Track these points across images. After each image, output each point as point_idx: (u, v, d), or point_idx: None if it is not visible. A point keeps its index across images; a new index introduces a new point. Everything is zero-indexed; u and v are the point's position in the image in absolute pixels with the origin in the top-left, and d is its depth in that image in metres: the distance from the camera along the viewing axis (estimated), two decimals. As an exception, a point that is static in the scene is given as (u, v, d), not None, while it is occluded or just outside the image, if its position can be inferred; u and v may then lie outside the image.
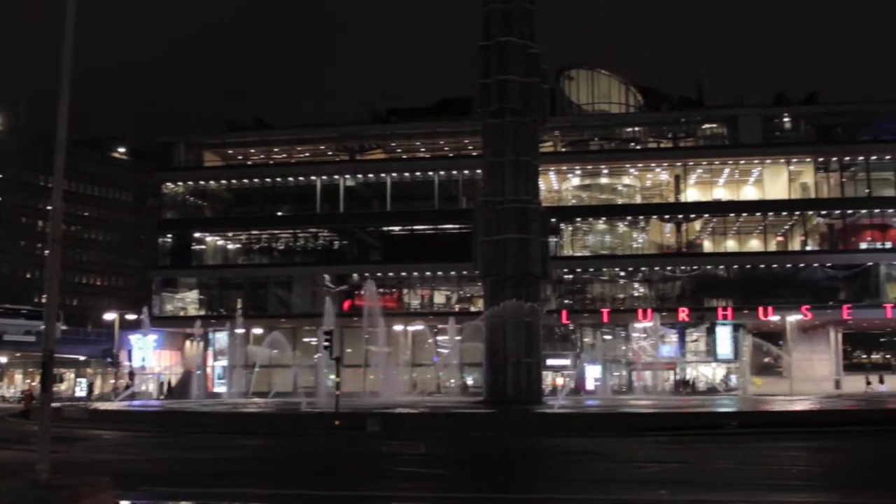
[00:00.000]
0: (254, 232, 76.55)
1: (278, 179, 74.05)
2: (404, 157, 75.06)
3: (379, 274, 68.93)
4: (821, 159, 69.73)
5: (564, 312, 66.45)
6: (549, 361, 62.48)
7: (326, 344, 38.37)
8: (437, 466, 22.54)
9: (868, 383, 63.45)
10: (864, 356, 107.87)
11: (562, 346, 67.98)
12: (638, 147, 73.43)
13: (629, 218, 72.71)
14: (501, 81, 45.27)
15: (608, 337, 70.06)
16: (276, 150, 77.21)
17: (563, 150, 73.12)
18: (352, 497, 17.08)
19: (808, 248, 70.68)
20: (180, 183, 76.77)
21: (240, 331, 61.86)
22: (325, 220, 73.46)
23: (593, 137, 74.09)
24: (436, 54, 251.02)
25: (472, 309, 66.02)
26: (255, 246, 77.45)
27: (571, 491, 17.66)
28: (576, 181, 73.83)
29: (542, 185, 63.11)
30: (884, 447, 27.23)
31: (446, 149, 75.54)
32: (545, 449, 26.93)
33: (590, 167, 72.91)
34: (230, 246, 77.82)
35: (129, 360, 69.14)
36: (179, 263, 75.76)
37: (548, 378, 62.55)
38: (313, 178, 73.10)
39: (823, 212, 69.82)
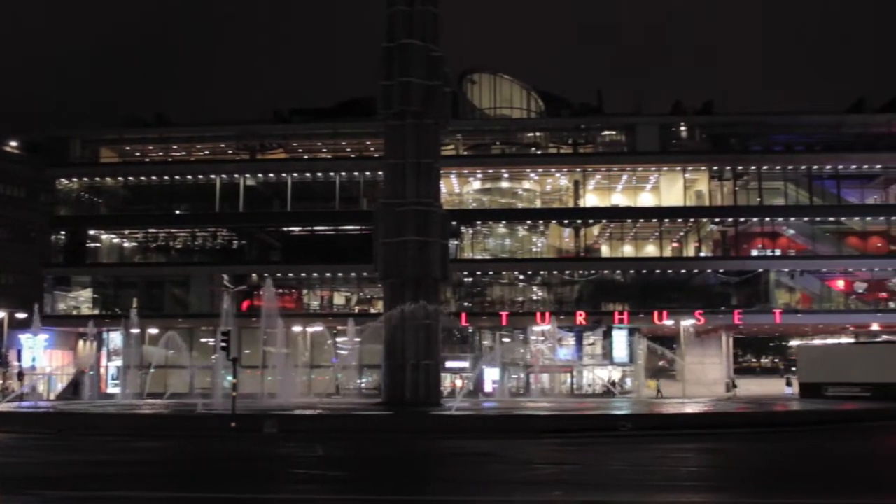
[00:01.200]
0: (151, 230, 75.10)
1: (177, 177, 72.82)
2: (306, 157, 74.49)
3: (278, 274, 68.33)
4: (715, 168, 71.34)
5: (464, 315, 66.72)
6: (448, 364, 62.65)
7: (224, 345, 37.80)
8: (334, 468, 22.45)
9: (734, 387, 64.68)
10: (754, 360, 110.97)
11: (461, 349, 68.24)
12: (538, 152, 74.16)
13: (529, 222, 73.39)
14: (404, 83, 45.33)
15: (507, 340, 70.64)
16: (175, 147, 75.86)
17: (465, 153, 73.47)
18: (246, 500, 16.93)
19: (702, 254, 72.26)
20: (75, 179, 74.87)
21: (135, 330, 60.61)
22: (224, 219, 72.48)
23: (495, 141, 74.61)
24: (345, 55, 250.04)
25: (372, 311, 65.88)
26: (151, 244, 76.04)
27: (468, 492, 17.77)
28: (477, 185, 74.23)
29: (443, 187, 63.47)
30: (769, 448, 28.02)
31: (348, 150, 75.27)
32: (442, 451, 27.02)
33: (491, 171, 73.35)
34: (126, 244, 76.26)
35: (19, 360, 67.14)
36: (73, 261, 73.91)
37: (446, 380, 62.75)
38: (213, 176, 72.11)
39: (717, 219, 71.42)
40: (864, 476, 20.99)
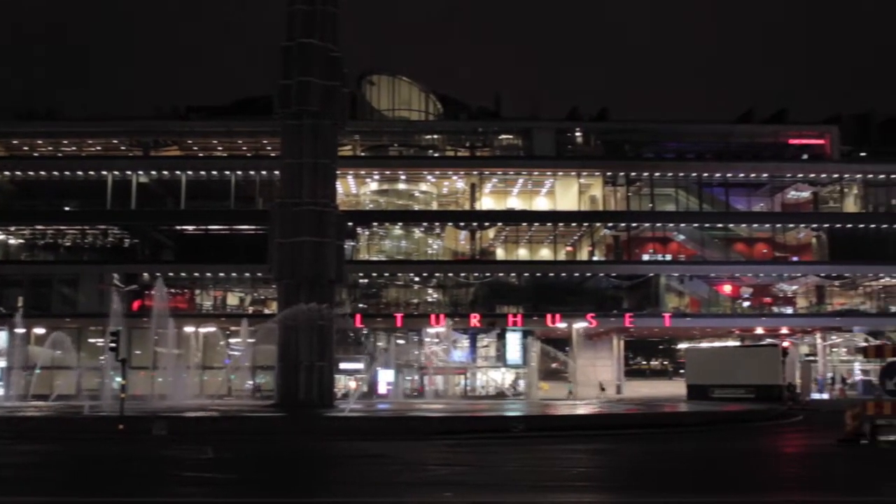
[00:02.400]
0: (38, 227, 72.97)
1: (67, 173, 70.88)
2: (201, 155, 73.47)
3: (171, 274, 67.11)
4: (609, 174, 72.58)
5: (359, 316, 66.54)
6: (343, 365, 62.44)
7: (113, 345, 37.05)
8: (223, 471, 22.19)
9: (602, 389, 65.92)
10: (644, 362, 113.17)
11: (355, 350, 68.05)
12: (436, 154, 74.48)
13: (425, 224, 73.56)
14: (302, 83, 45.06)
15: (401, 341, 70.67)
16: (65, 142, 73.99)
17: (363, 154, 73.38)
18: None
19: (595, 258, 73.37)
20: (-42, 172, 72.49)
21: (20, 330, 58.99)
22: (115, 216, 70.90)
23: (393, 143, 74.68)
24: (245, 54, 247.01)
25: (267, 311, 65.28)
26: (39, 241, 73.92)
27: (359, 494, 17.77)
28: (374, 186, 74.18)
29: (340, 188, 63.36)
30: (656, 448, 28.62)
31: (244, 148, 74.47)
32: (335, 452, 26.92)
33: (388, 173, 73.37)
34: (12, 241, 74.04)
35: None
36: (-46, 258, 71.55)
37: (340, 382, 62.58)
38: (104, 172, 70.42)
39: (610, 224, 72.61)
40: (744, 474, 21.60)
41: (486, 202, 74.42)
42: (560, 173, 72.91)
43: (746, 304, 74.73)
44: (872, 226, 72.27)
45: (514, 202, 75.57)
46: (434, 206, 75.11)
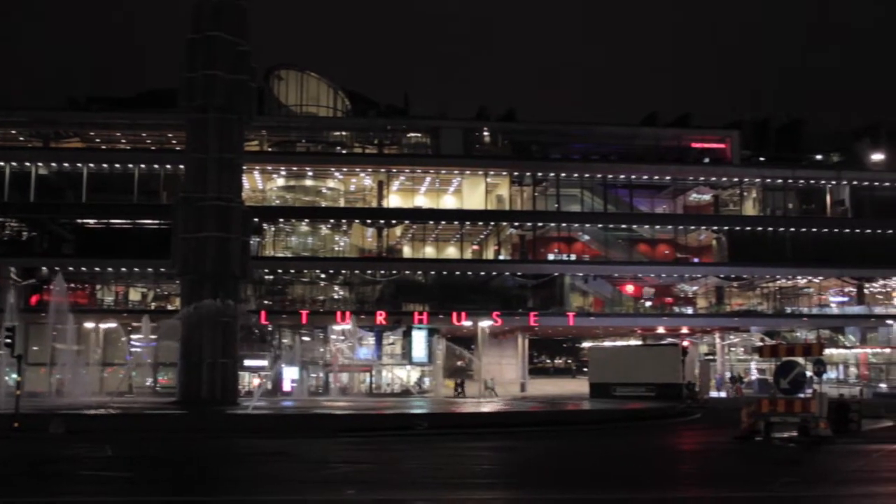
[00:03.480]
0: (-69, 219, 70.72)
1: (-39, 164, 68.85)
2: (103, 147, 71.98)
3: (71, 268, 65.65)
4: (516, 173, 73.14)
5: (263, 313, 65.90)
6: (247, 362, 61.78)
7: (8, 341, 36.10)
8: (122, 469, 21.82)
9: (458, 384, 66.46)
10: (548, 360, 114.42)
11: (260, 347, 67.38)
12: (344, 151, 74.22)
13: (332, 221, 73.18)
14: (208, 76, 44.51)
15: (307, 339, 70.25)
16: (-39, 132, 71.84)
17: (270, 149, 72.72)
18: None
19: (501, 257, 73.93)
20: None
21: (-89, 325, 57.01)
22: (13, 208, 68.90)
23: (300, 139, 74.18)
24: (152, 47, 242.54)
25: (170, 307, 64.30)
26: (-67, 233, 71.64)
27: (260, 492, 17.66)
28: (281, 182, 73.61)
29: (246, 184, 62.79)
30: (558, 446, 29.03)
31: (148, 141, 73.11)
32: (237, 450, 26.68)
33: (295, 168, 72.85)
34: None
35: None
36: None
37: (244, 379, 61.99)
38: (2, 164, 68.51)
39: (516, 223, 73.16)
40: (643, 471, 22.02)
41: (394, 200, 74.42)
42: (467, 172, 73.26)
43: (648, 303, 76.07)
44: (770, 229, 74.14)
45: (422, 200, 75.71)
46: (341, 203, 74.84)
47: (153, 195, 68.33)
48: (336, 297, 72.89)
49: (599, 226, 74.03)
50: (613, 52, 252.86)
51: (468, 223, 72.80)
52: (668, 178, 75.01)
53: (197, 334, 43.14)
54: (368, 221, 72.74)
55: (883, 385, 68.48)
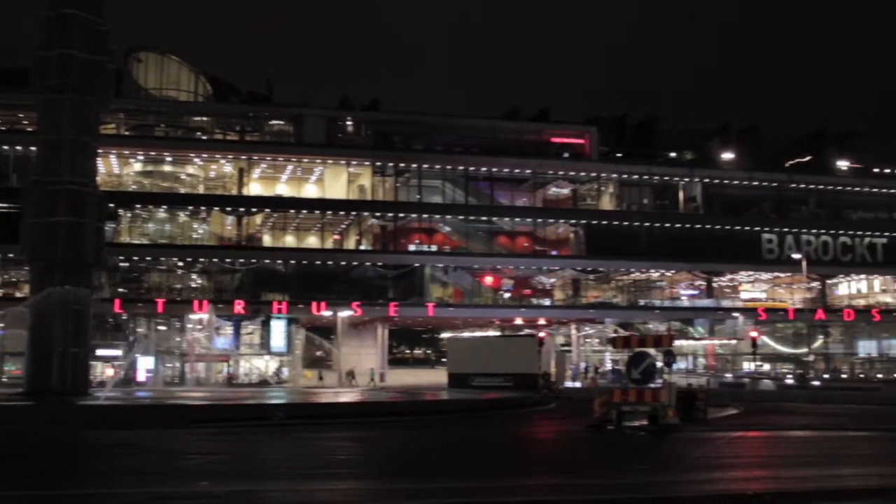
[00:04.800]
0: None
1: None
2: (-51, 127, 68.95)
3: None
4: (378, 164, 73.14)
5: (118, 301, 64.27)
6: (100, 352, 60.18)
7: None
8: (-36, 462, 21.00)
9: (320, 378, 66.89)
10: (408, 351, 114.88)
11: (113, 336, 65.71)
12: (204, 137, 72.89)
13: (191, 208, 71.75)
14: (63, 56, 42.94)
15: (163, 328, 68.83)
16: None
17: (127, 133, 70.87)
18: None
19: (362, 247, 73.82)
20: None
21: None
22: None
23: (159, 123, 72.51)
24: (6, 23, 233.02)
25: (18, 295, 61.92)
26: None
27: (110, 485, 17.21)
28: (138, 167, 71.82)
29: (101, 168, 61.17)
30: (414, 436, 29.22)
31: (-1, 122, 70.43)
32: (88, 442, 25.96)
33: (153, 153, 71.19)
34: None
35: None
36: None
37: (97, 369, 60.39)
38: None
39: (378, 214, 73.14)
40: (499, 460, 22.37)
41: (255, 188, 73.52)
42: (330, 161, 72.91)
43: (507, 295, 77.16)
44: (625, 223, 76.10)
45: (283, 189, 75.00)
46: (200, 190, 73.51)
47: (2, 178, 65.77)
48: (194, 285, 71.58)
49: (460, 217, 74.68)
50: (481, 44, 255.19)
51: (330, 213, 72.47)
52: (528, 171, 76.17)
53: (47, 323, 41.69)
54: (228, 209, 71.65)
55: (729, 375, 71.17)
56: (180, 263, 70.54)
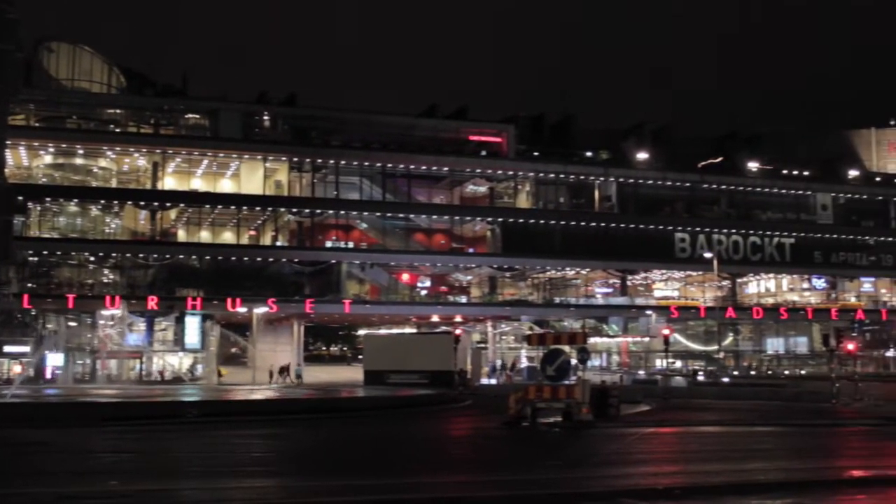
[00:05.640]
0: None
1: None
2: None
3: None
4: (295, 159, 72.54)
5: (26, 297, 62.82)
6: (7, 348, 59.03)
7: None
8: None
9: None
10: (324, 348, 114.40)
11: (22, 332, 64.20)
12: (117, 130, 71.56)
13: (103, 202, 70.33)
14: (-30, 45, 42.02)
15: (73, 324, 67.44)
16: None
17: (37, 125, 69.26)
18: None
19: (279, 243, 73.24)
20: None
21: None
22: None
23: (71, 115, 70.92)
24: None
25: (-79, 289, 60.35)
26: None
27: (16, 485, 16.85)
28: (49, 159, 70.25)
29: (10, 160, 59.73)
30: (329, 433, 29.16)
31: None
32: (-7, 441, 25.40)
33: (65, 146, 69.64)
34: None
35: None
36: None
37: (4, 366, 59.11)
38: None
39: (295, 210, 72.59)
40: (414, 457, 22.45)
41: (169, 182, 72.34)
42: (246, 156, 72.16)
43: (424, 292, 77.25)
44: (542, 221, 76.75)
45: (198, 183, 73.93)
46: (113, 184, 72.09)
47: None
48: (106, 280, 70.26)
49: (377, 214, 74.54)
50: (402, 42, 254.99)
51: (245, 208, 71.78)
52: (445, 169, 76.30)
53: (-49, 318, 40.72)
54: (142, 203, 70.42)
55: (642, 372, 72.23)
56: (92, 258, 69.26)
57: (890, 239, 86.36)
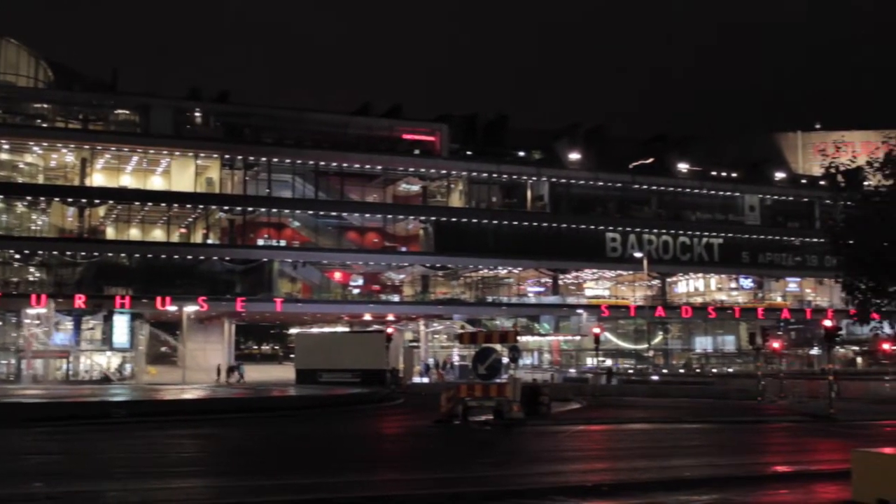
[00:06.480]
0: None
1: None
2: None
3: None
4: (227, 156, 71.79)
5: (-52, 295, 61.57)
6: (-74, 348, 57.62)
7: None
8: None
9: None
10: (255, 347, 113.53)
11: (-58, 332, 62.92)
12: (44, 125, 70.25)
13: (29, 198, 69.02)
14: None
15: (-2, 323, 66.17)
16: None
17: (-40, 119, 67.89)
18: None
19: (210, 241, 72.43)
20: None
21: None
22: None
23: (-5, 109, 69.63)
24: None
25: None
26: None
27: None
28: (-28, 154, 68.83)
29: (-68, 155, 58.17)
30: (260, 433, 28.99)
31: None
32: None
33: (-11, 141, 68.34)
34: None
35: None
36: None
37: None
38: None
39: (226, 207, 71.82)
40: (346, 456, 22.41)
41: (98, 178, 71.24)
42: (177, 153, 71.27)
43: (356, 291, 77.06)
44: (474, 220, 76.99)
45: (128, 180, 72.91)
46: (40, 180, 70.76)
47: None
48: (32, 278, 68.97)
49: (310, 212, 74.16)
50: (336, 40, 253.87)
51: (176, 205, 70.87)
52: (379, 167, 76.16)
53: None
54: (70, 200, 69.21)
55: (573, 370, 72.89)
56: (17, 256, 67.93)
57: (814, 240, 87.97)
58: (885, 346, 64.59)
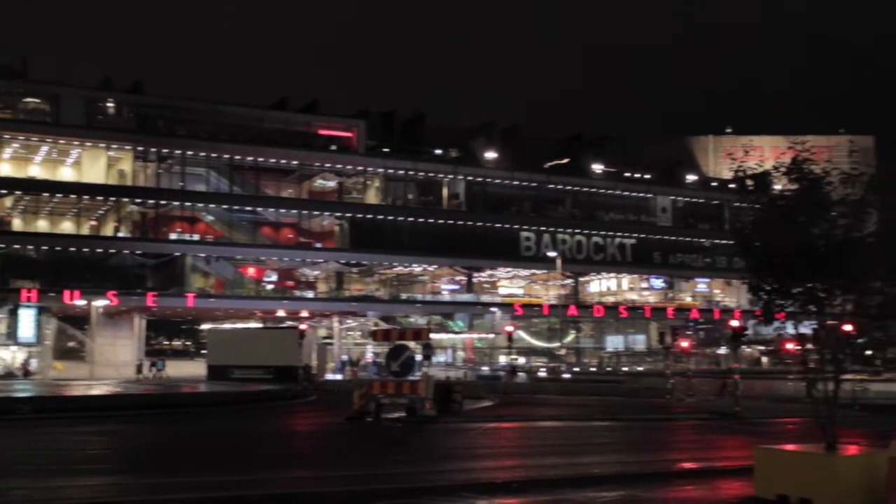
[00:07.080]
0: None
1: None
2: None
3: None
4: (140, 148, 70.64)
5: None
6: None
7: None
8: None
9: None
10: (166, 342, 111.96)
11: None
12: (-52, 114, 68.40)
13: (-67, 189, 67.26)
14: None
15: None
16: None
17: None
18: None
19: (121, 234, 71.17)
20: None
21: None
22: None
23: None
24: None
25: None
26: None
27: None
28: None
29: None
30: (169, 429, 28.65)
31: None
32: None
33: None
34: None
35: None
36: None
37: None
38: None
39: (138, 200, 70.71)
40: (256, 453, 22.27)
41: (5, 168, 69.61)
42: (88, 144, 69.88)
43: (270, 286, 76.50)
44: (390, 218, 76.97)
45: (37, 170, 71.34)
46: (-56, 169, 68.94)
47: None
48: (-68, 270, 67.06)
49: (224, 207, 73.41)
50: (256, 33, 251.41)
51: (87, 197, 69.62)
52: (295, 162, 75.71)
53: None
54: (-26, 190, 67.46)
55: (486, 368, 73.24)
56: (-82, 247, 65.98)
57: (724, 241, 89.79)
58: (789, 346, 66.22)
